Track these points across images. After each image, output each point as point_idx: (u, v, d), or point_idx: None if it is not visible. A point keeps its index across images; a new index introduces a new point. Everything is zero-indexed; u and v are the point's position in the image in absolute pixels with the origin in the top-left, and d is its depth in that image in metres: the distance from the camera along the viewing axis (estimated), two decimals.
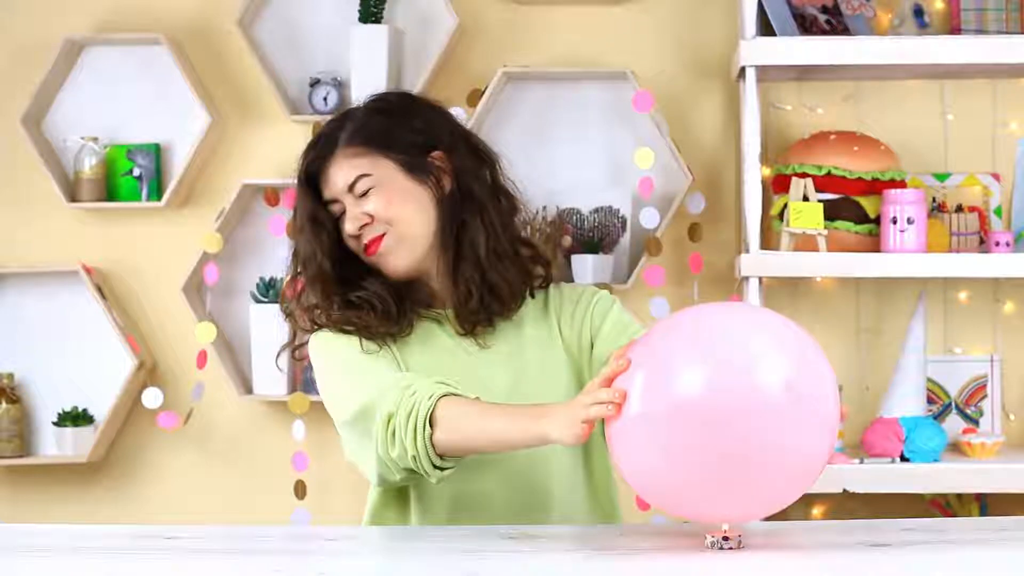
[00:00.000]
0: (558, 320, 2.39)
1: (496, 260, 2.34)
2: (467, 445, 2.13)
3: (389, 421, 2.16)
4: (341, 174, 2.33)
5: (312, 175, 2.35)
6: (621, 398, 1.87)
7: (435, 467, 2.14)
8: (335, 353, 2.33)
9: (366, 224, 2.31)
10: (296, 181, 2.37)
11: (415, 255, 2.33)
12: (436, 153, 2.35)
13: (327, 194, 2.34)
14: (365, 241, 2.32)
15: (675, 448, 1.81)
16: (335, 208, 2.34)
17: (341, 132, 2.35)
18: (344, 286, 2.34)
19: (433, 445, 2.12)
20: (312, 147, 2.37)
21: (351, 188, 2.32)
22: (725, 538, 1.88)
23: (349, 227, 2.32)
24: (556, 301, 2.41)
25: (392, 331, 2.32)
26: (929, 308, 3.61)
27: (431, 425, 2.12)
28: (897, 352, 3.53)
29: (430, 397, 2.14)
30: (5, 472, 3.83)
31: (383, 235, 2.31)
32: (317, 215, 2.35)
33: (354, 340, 2.31)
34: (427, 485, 2.27)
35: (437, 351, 2.33)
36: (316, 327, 2.37)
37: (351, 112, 2.40)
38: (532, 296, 2.39)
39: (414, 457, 2.13)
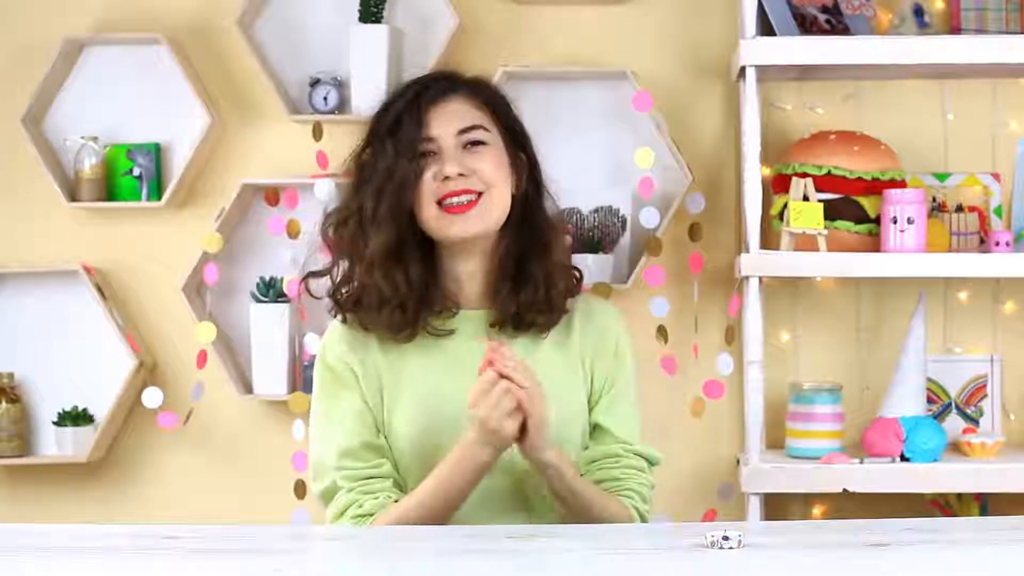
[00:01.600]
0: (581, 345, 2.37)
1: (559, 271, 2.33)
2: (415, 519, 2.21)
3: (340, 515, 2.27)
4: (458, 115, 2.26)
5: (411, 110, 2.25)
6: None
7: None
8: (317, 402, 2.34)
9: (463, 175, 2.24)
10: (390, 116, 2.27)
11: (488, 230, 2.27)
12: (521, 154, 2.34)
13: (431, 130, 2.25)
14: (457, 188, 2.23)
15: None
16: (428, 147, 2.25)
17: (463, 80, 2.29)
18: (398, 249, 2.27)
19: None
20: (424, 84, 2.27)
21: (463, 132, 2.26)
22: (725, 537, 1.88)
23: (449, 168, 2.23)
24: (580, 318, 2.37)
25: (395, 336, 2.30)
26: (929, 308, 3.61)
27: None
28: (897, 352, 3.53)
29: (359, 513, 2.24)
30: (5, 472, 3.82)
31: (480, 193, 2.24)
32: (417, 146, 2.24)
33: (337, 392, 2.30)
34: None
35: (443, 359, 2.31)
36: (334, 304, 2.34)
37: (468, 75, 2.34)
38: None
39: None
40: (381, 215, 2.25)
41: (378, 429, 2.29)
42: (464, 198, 2.25)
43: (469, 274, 2.32)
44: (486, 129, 2.27)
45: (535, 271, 2.31)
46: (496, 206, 2.27)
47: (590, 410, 2.36)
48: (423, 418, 2.27)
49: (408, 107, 2.26)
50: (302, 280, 2.41)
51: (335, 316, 2.36)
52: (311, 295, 2.43)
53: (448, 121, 2.26)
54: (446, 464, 2.20)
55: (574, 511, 2.26)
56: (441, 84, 2.28)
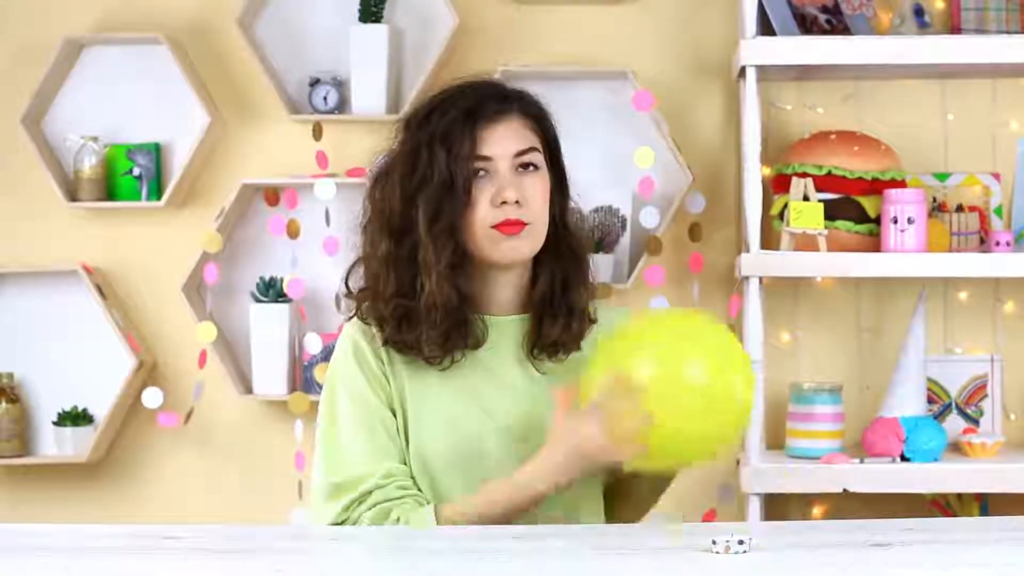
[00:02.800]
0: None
1: (588, 289, 2.32)
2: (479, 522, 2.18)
3: (387, 516, 2.20)
4: (515, 136, 2.22)
5: (466, 122, 2.20)
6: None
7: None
8: (332, 404, 2.26)
9: (518, 202, 2.20)
10: (443, 123, 2.21)
11: (534, 252, 2.25)
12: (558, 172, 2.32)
13: (484, 150, 2.20)
14: (512, 218, 2.20)
15: None
16: (481, 165, 2.20)
17: (517, 98, 2.26)
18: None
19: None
20: (480, 98, 2.23)
21: (520, 154, 2.22)
22: (740, 541, 1.86)
23: (509, 194, 2.18)
24: (603, 334, 2.32)
25: (432, 359, 2.24)
26: (929, 308, 3.61)
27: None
28: (897, 352, 3.53)
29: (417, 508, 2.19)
30: (5, 472, 3.82)
31: (528, 224, 2.21)
32: (470, 166, 2.19)
33: (358, 389, 2.24)
34: (434, 496, 2.26)
35: (476, 367, 2.27)
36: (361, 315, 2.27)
37: (515, 89, 2.29)
38: None
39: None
40: (441, 227, 2.20)
41: (397, 433, 2.26)
42: (520, 220, 2.23)
43: (502, 284, 2.29)
44: (539, 151, 2.25)
45: (576, 300, 2.29)
46: (542, 232, 2.25)
47: None
48: (455, 430, 2.23)
49: (463, 121, 2.21)
50: (347, 295, 2.31)
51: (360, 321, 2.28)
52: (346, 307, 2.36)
53: (505, 141, 2.22)
54: (522, 478, 2.17)
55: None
56: (497, 101, 2.24)
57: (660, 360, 2.12)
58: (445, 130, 2.21)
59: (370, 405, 2.24)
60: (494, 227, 2.20)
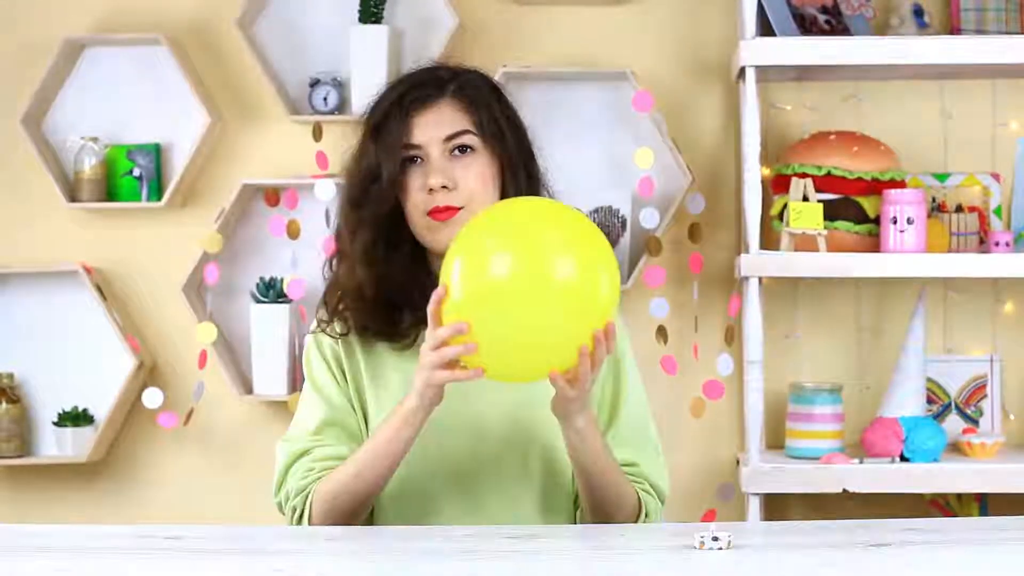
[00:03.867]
0: None
1: None
2: (350, 488, 2.19)
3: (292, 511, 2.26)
4: (445, 121, 2.23)
5: (397, 113, 2.22)
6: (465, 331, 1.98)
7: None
8: (304, 388, 2.34)
9: (446, 187, 2.21)
10: (377, 114, 2.24)
11: None
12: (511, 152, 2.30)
13: (415, 136, 2.22)
14: (440, 204, 2.21)
15: None
16: (414, 152, 2.22)
17: (451, 80, 2.26)
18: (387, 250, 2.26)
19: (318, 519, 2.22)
20: (411, 84, 2.24)
21: (449, 139, 2.23)
22: (715, 538, 1.87)
23: (434, 180, 2.20)
24: None
25: (393, 345, 2.28)
26: (929, 308, 3.61)
27: (311, 514, 2.22)
28: (897, 352, 3.53)
29: (302, 496, 2.22)
30: (5, 472, 3.83)
31: (460, 208, 2.22)
32: (399, 151, 2.21)
33: (319, 372, 2.29)
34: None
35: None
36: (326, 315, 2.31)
37: (459, 70, 2.30)
38: None
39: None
40: (363, 217, 2.25)
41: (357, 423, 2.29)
42: (449, 206, 2.24)
43: None
44: (473, 134, 2.25)
45: None
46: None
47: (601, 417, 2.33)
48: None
49: (393, 109, 2.24)
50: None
51: (317, 327, 2.33)
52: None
53: (434, 127, 2.23)
54: (380, 425, 2.19)
55: (591, 487, 2.22)
56: (428, 87, 2.25)
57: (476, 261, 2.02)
58: (377, 122, 2.25)
59: (330, 394, 2.29)
60: (428, 214, 2.23)
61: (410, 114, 2.23)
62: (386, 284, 2.26)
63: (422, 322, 2.15)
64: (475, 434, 2.26)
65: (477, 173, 2.24)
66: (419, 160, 2.24)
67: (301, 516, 2.24)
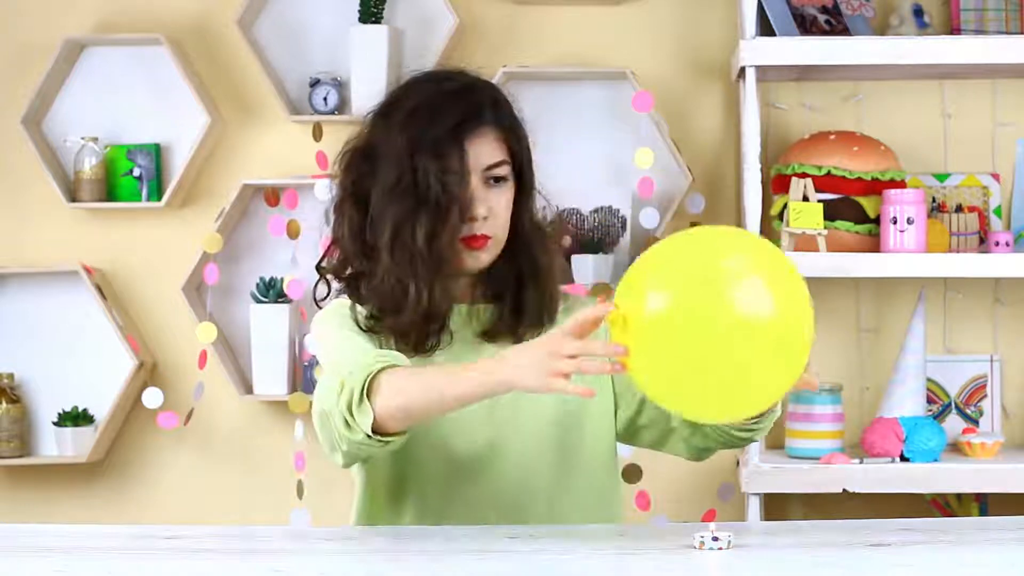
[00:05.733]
0: None
1: (552, 287, 2.33)
2: (409, 407, 2.06)
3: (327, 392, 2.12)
4: (488, 149, 2.24)
5: (450, 137, 2.21)
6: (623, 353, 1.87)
7: (378, 440, 2.08)
8: (327, 339, 2.26)
9: (486, 218, 2.23)
10: (416, 128, 2.21)
11: (489, 262, 2.27)
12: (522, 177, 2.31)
13: (468, 163, 2.22)
14: (478, 232, 2.23)
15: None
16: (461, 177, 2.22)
17: (491, 106, 2.26)
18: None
19: (372, 414, 2.06)
20: (468, 109, 2.23)
21: (489, 168, 2.24)
22: (715, 538, 1.88)
23: (481, 210, 2.21)
24: (563, 316, 2.35)
25: (420, 349, 2.27)
26: (929, 308, 3.62)
27: (369, 396, 2.07)
28: (897, 352, 3.53)
29: (366, 371, 2.08)
30: (5, 472, 3.83)
31: (491, 237, 2.24)
32: (451, 180, 2.19)
33: (353, 328, 2.25)
34: (417, 489, 2.26)
35: (441, 357, 2.31)
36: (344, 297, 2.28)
37: (488, 88, 2.30)
38: None
39: (347, 425, 2.08)
40: (425, 234, 2.21)
41: None
42: (485, 235, 2.25)
43: (457, 283, 2.33)
44: (508, 164, 2.27)
45: (530, 302, 2.31)
46: (503, 241, 2.28)
47: (618, 395, 2.35)
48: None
49: (449, 133, 2.22)
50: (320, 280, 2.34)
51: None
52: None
53: (476, 156, 2.24)
54: (471, 367, 2.07)
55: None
56: (476, 109, 2.25)
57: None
58: (430, 138, 2.22)
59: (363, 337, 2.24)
60: (463, 240, 2.24)
61: (465, 140, 2.23)
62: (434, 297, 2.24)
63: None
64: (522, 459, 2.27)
65: (507, 202, 2.27)
66: (465, 185, 2.23)
67: (362, 395, 2.08)
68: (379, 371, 2.09)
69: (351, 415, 2.08)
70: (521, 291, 2.31)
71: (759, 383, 1.88)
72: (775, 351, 1.86)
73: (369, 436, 2.07)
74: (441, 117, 2.24)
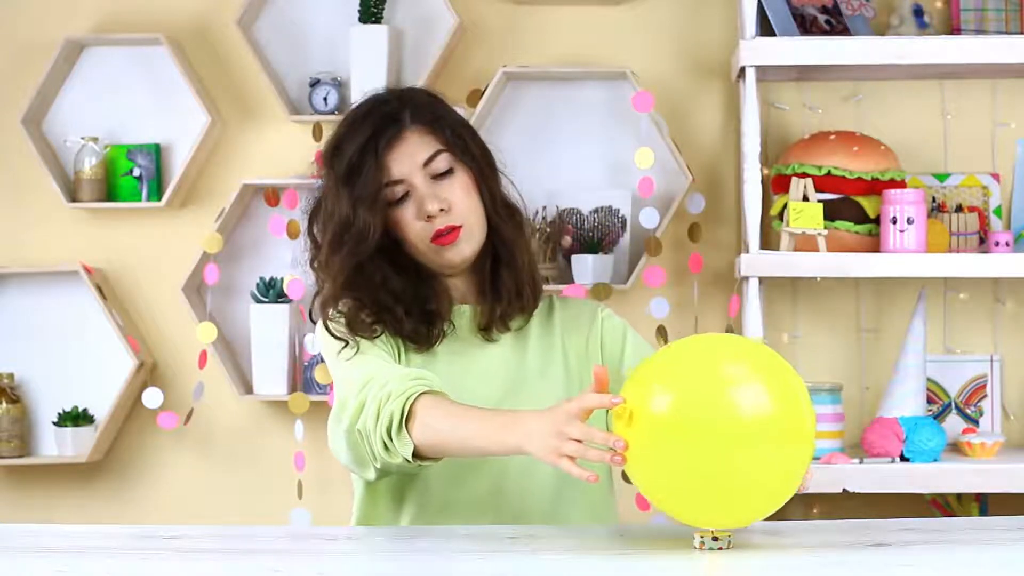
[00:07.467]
0: (562, 331, 2.39)
1: (527, 266, 2.35)
2: (440, 446, 2.09)
3: (360, 411, 2.13)
4: (416, 151, 2.26)
5: (367, 156, 2.24)
6: (623, 448, 1.86)
7: (417, 464, 2.12)
8: (336, 351, 2.29)
9: (443, 210, 2.26)
10: (344, 162, 2.25)
11: (474, 251, 2.30)
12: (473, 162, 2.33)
13: (393, 173, 2.26)
14: (440, 227, 2.26)
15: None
16: (396, 190, 2.26)
17: (403, 111, 2.29)
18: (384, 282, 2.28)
19: (408, 437, 2.08)
20: (374, 126, 2.26)
21: (427, 163, 2.27)
22: (715, 538, 1.88)
23: (431, 207, 2.25)
24: (560, 312, 2.41)
25: (419, 348, 2.30)
26: (929, 308, 3.62)
27: (407, 422, 2.09)
28: (897, 352, 3.53)
29: (404, 397, 2.09)
30: (5, 472, 3.83)
31: (460, 226, 2.27)
32: (379, 194, 2.24)
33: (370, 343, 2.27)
34: (418, 490, 2.27)
35: (443, 355, 2.32)
36: (334, 317, 2.30)
37: (403, 94, 2.33)
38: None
39: (385, 448, 2.10)
40: (336, 264, 2.26)
41: None
42: (451, 226, 2.27)
43: (456, 276, 2.35)
44: (445, 151, 2.29)
45: (501, 285, 2.33)
46: (477, 228, 2.31)
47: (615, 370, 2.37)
48: None
49: (364, 153, 2.26)
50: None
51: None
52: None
53: (409, 158, 2.27)
54: (494, 422, 2.05)
55: None
56: (387, 124, 2.28)
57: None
58: (347, 171, 2.26)
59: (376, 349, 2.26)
60: (432, 240, 2.27)
61: (381, 155, 2.26)
62: (389, 298, 2.29)
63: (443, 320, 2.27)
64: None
65: (462, 187, 2.29)
66: (407, 194, 2.28)
67: (401, 422, 2.09)
68: (416, 397, 2.11)
69: (390, 439, 2.10)
70: (496, 270, 2.34)
71: (758, 493, 1.87)
72: (775, 462, 1.86)
73: (408, 461, 2.10)
74: (355, 138, 2.28)
